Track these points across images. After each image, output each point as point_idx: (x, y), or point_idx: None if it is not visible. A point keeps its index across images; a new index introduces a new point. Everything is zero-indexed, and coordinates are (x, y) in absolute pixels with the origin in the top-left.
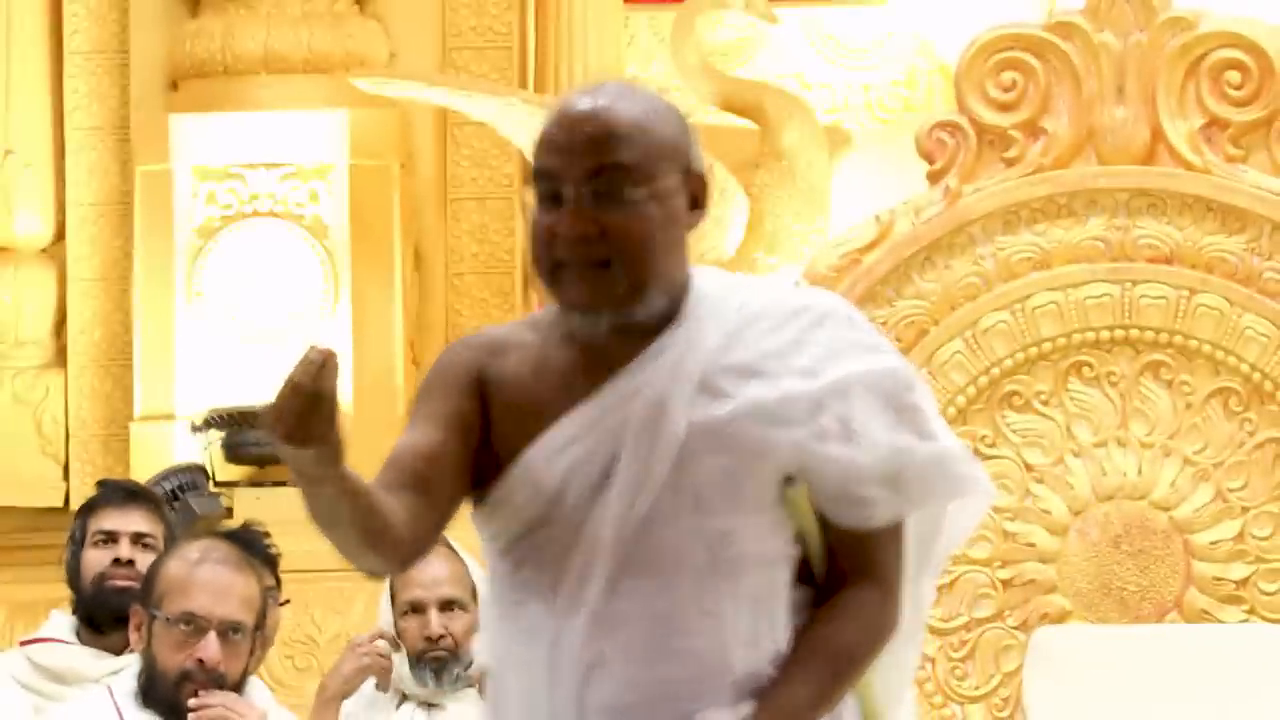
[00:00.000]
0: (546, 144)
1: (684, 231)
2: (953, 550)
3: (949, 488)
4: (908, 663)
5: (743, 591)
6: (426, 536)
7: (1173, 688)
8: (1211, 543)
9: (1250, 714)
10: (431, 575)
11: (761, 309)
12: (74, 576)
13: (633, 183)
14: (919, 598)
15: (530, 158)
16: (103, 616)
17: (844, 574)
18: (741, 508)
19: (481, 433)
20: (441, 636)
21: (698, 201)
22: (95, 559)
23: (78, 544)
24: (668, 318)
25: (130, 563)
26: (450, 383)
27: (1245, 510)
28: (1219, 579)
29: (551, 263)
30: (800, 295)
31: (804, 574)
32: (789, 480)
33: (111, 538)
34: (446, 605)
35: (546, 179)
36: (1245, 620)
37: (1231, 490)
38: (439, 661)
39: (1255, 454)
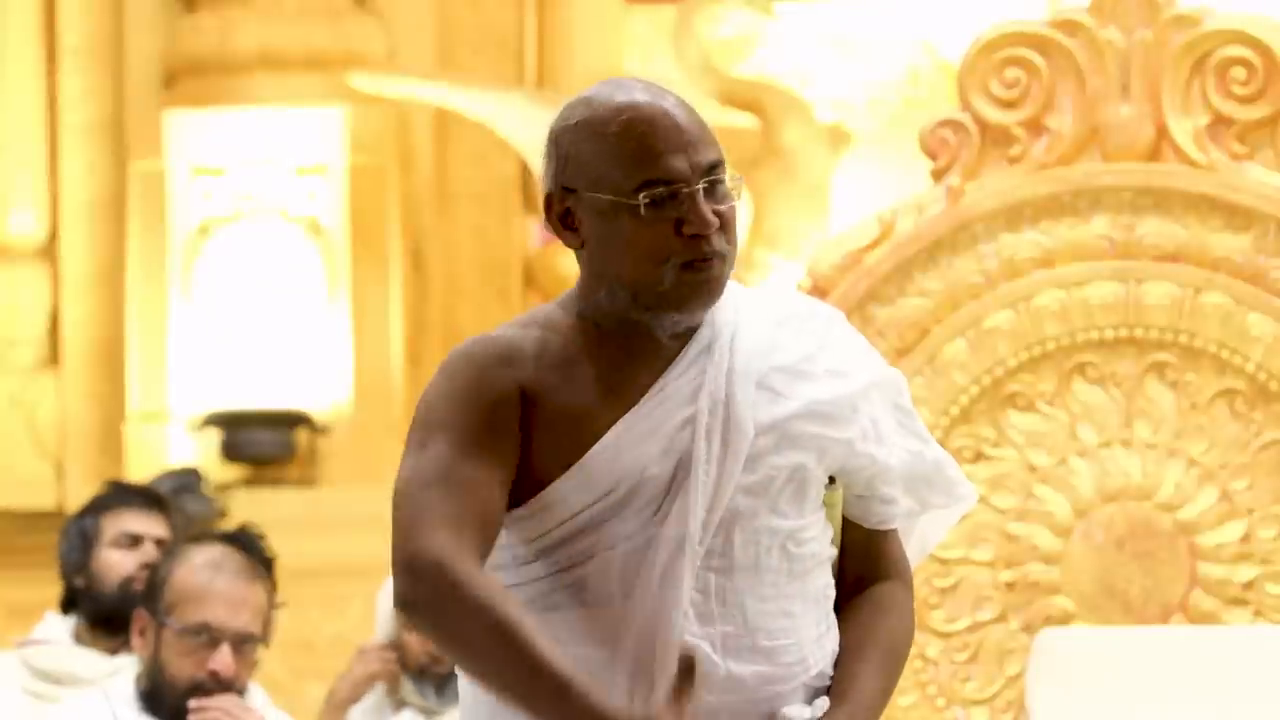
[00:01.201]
0: (648, 151)
1: None
2: (926, 554)
3: (946, 492)
4: None
5: (810, 591)
6: None
7: (1178, 690)
8: (1217, 545)
9: (1256, 716)
10: None
11: (783, 312)
12: (79, 573)
13: (728, 174)
14: None
15: (529, 158)
16: (121, 620)
17: (863, 577)
18: (807, 507)
19: (520, 453)
20: None
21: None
22: (119, 561)
23: (88, 542)
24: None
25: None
26: (493, 410)
27: (1250, 512)
28: (1224, 581)
29: (676, 264)
30: (802, 299)
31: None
32: (831, 481)
33: (137, 541)
34: None
35: (665, 182)
36: (1251, 623)
37: (1236, 492)
38: (441, 678)
39: (1261, 455)
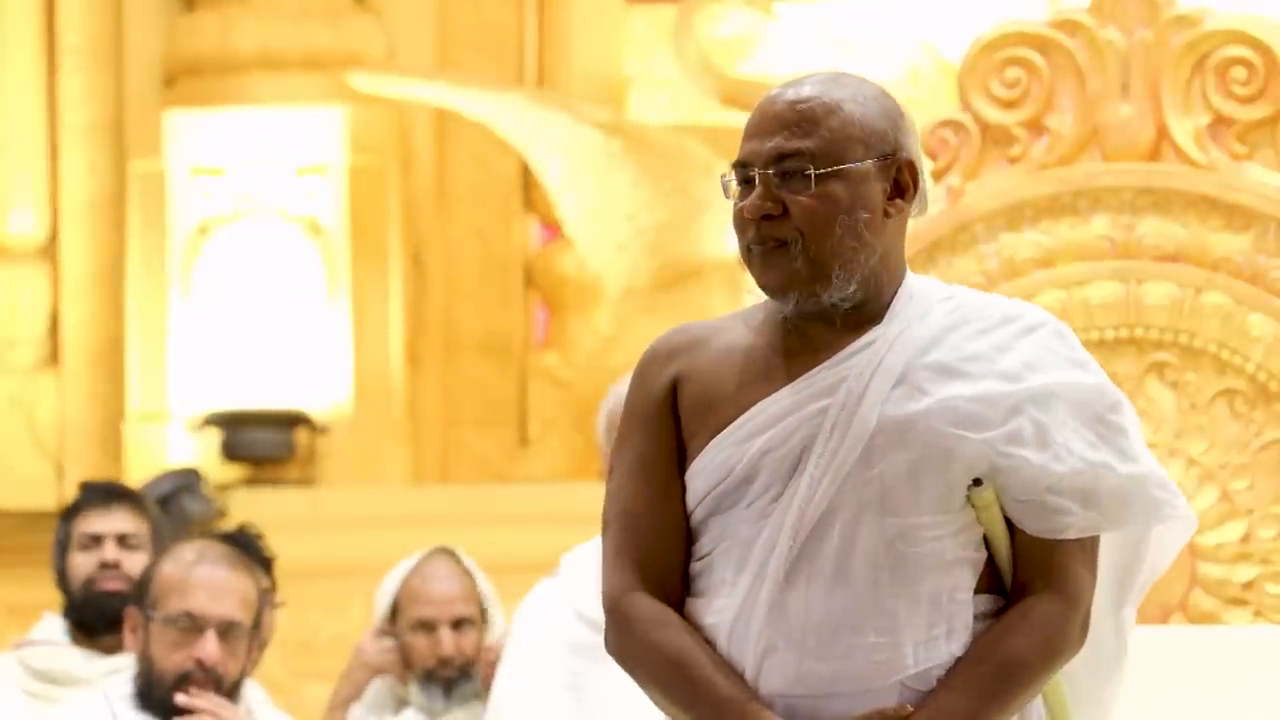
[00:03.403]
0: (745, 135)
1: (881, 218)
2: (1155, 579)
3: (1147, 511)
4: (1108, 691)
5: (921, 591)
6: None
7: (1177, 690)
8: (1217, 545)
9: (1256, 717)
10: (443, 592)
11: (971, 313)
12: (62, 580)
13: (816, 164)
14: (1121, 626)
15: (529, 158)
16: (94, 620)
17: (1027, 584)
18: (925, 507)
19: (677, 439)
20: (453, 656)
21: (902, 189)
22: (82, 563)
23: (63, 548)
24: (875, 313)
25: (116, 564)
26: (649, 410)
27: (1250, 512)
28: (1224, 581)
29: (744, 245)
30: (1013, 305)
31: (999, 584)
32: (978, 482)
33: (96, 540)
34: (458, 623)
35: (741, 166)
36: (1251, 623)
37: (1237, 492)
38: (450, 682)
39: (1261, 455)
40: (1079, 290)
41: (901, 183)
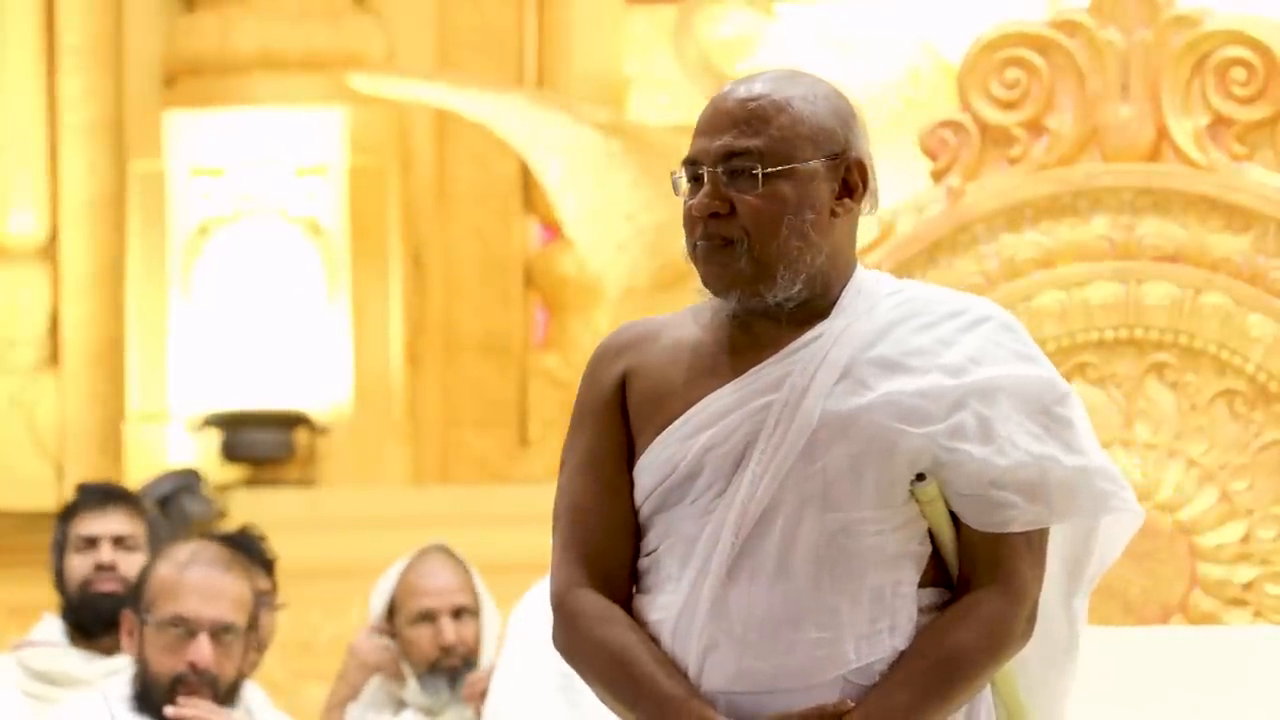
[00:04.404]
0: (695, 132)
1: (828, 218)
2: (1103, 571)
3: (1094, 503)
4: (1060, 685)
5: (864, 586)
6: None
7: (1177, 690)
8: (1216, 545)
9: (1256, 717)
10: (441, 583)
11: (917, 307)
12: (60, 582)
13: (764, 163)
14: (1073, 618)
15: (529, 158)
16: (90, 622)
17: (972, 578)
18: (867, 501)
19: (626, 435)
20: (456, 645)
21: (851, 189)
22: (78, 565)
23: (60, 550)
24: (822, 310)
25: (112, 566)
26: (599, 406)
27: (1250, 513)
28: (1224, 581)
29: (691, 243)
30: (960, 299)
31: (945, 579)
32: (921, 477)
33: (92, 543)
34: (458, 613)
35: (691, 163)
36: (1251, 623)
37: (1236, 492)
38: (453, 671)
39: (1260, 456)
40: (1079, 291)
41: (850, 182)
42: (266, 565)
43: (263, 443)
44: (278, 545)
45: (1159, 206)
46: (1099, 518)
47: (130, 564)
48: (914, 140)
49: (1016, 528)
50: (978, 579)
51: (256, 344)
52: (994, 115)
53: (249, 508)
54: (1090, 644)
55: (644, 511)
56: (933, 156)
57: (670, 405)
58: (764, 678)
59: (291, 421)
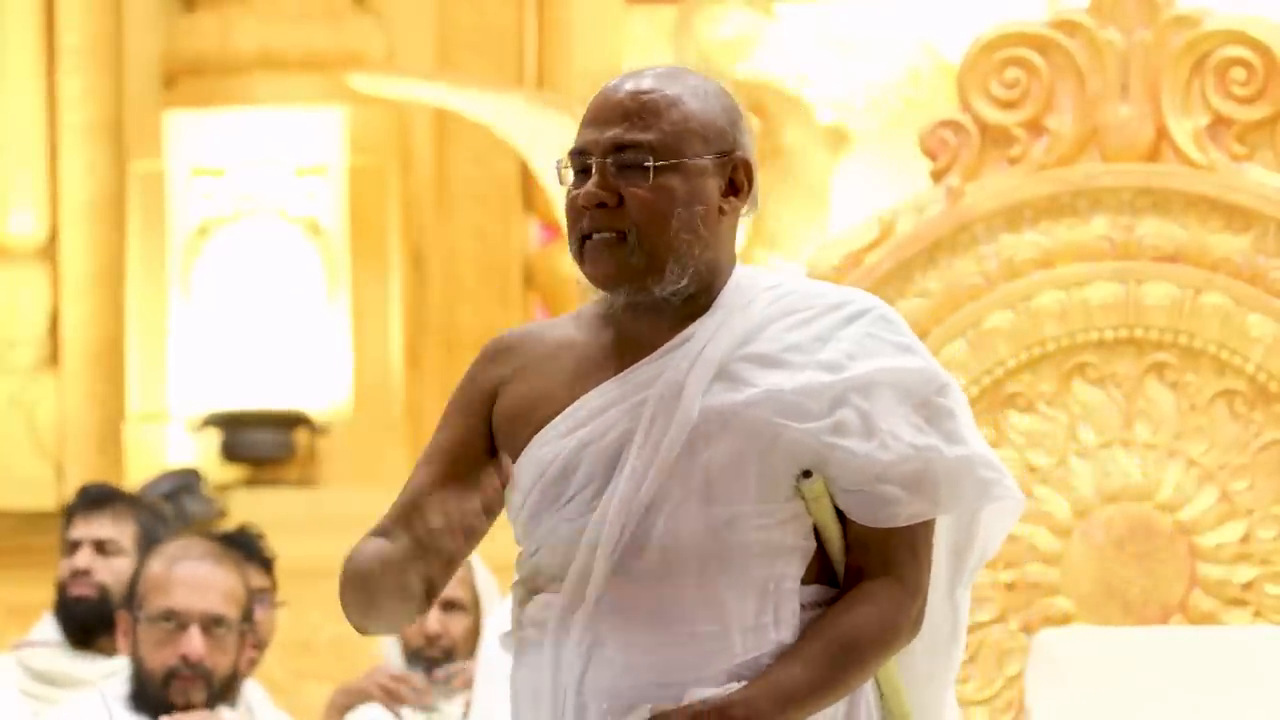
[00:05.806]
0: (582, 123)
1: (716, 214)
2: (987, 559)
3: (977, 493)
4: (944, 675)
5: (748, 580)
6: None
7: (1177, 690)
8: (1216, 545)
9: (1256, 717)
10: None
11: (795, 303)
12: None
13: (656, 157)
14: (956, 607)
15: (529, 158)
16: (66, 626)
17: (862, 572)
18: (750, 495)
19: (489, 441)
20: (439, 635)
21: (736, 188)
22: (61, 569)
23: (61, 553)
24: (703, 307)
25: (86, 571)
26: (466, 403)
27: (1250, 512)
28: (1224, 581)
29: (577, 235)
30: (838, 293)
31: (829, 576)
32: (808, 474)
33: (75, 547)
34: (447, 605)
35: (578, 154)
36: (1251, 623)
37: (1236, 492)
38: (432, 661)
39: (1260, 456)
40: (1079, 291)
41: (736, 181)
42: (265, 563)
43: (263, 443)
44: (278, 545)
45: (1159, 206)
46: (983, 506)
47: (110, 569)
48: (914, 140)
49: (903, 521)
50: (869, 572)
51: (256, 344)
52: (994, 115)
53: (249, 508)
54: (1090, 644)
55: (525, 514)
56: (933, 156)
57: (550, 406)
58: (652, 671)
59: (291, 421)
